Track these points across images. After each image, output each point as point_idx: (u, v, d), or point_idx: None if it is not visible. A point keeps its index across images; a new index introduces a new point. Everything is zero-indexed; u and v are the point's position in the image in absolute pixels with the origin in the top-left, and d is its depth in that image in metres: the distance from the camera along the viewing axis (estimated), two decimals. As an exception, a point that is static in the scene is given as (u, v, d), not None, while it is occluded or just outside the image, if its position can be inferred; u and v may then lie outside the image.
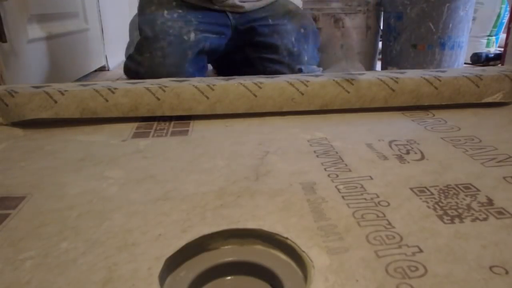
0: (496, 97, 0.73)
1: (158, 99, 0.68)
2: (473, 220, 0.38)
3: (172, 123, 0.68)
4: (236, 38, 1.09)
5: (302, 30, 1.10)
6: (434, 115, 0.69)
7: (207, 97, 0.69)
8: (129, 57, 1.00)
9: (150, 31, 0.96)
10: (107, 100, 0.67)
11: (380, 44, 1.69)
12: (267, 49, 1.07)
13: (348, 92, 0.70)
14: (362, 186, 0.45)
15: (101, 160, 0.54)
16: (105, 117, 0.67)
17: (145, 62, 0.95)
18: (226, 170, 0.50)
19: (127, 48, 1.06)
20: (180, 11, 1.02)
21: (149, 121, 0.68)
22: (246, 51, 1.11)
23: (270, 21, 1.07)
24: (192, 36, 0.99)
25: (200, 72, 1.04)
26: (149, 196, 0.44)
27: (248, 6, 1.06)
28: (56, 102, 0.66)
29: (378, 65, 1.73)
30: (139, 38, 0.97)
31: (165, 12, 1.01)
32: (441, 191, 0.44)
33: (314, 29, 1.15)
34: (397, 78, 0.71)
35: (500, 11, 1.97)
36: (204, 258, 0.35)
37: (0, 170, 0.51)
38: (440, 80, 0.71)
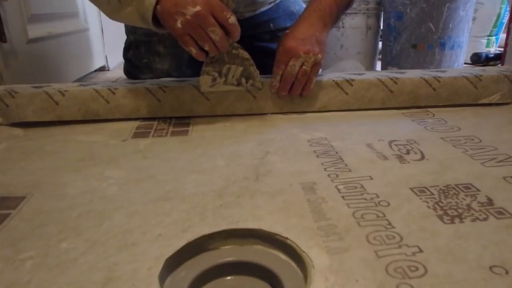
0: (493, 99, 0.73)
1: (159, 100, 0.68)
2: (473, 220, 0.38)
3: (172, 123, 0.68)
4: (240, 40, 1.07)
5: None
6: (434, 115, 0.69)
7: (207, 99, 0.69)
8: (127, 60, 1.00)
9: (144, 35, 0.95)
10: (108, 102, 0.67)
11: (380, 44, 1.69)
12: (267, 56, 1.05)
13: (347, 94, 0.71)
14: (362, 186, 0.45)
15: (101, 160, 0.54)
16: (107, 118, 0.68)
17: (144, 68, 0.95)
18: (226, 170, 0.50)
19: (125, 49, 1.04)
20: None
21: (149, 120, 0.68)
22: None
23: (272, 26, 1.03)
24: None
25: (198, 72, 1.03)
26: (149, 196, 0.44)
27: (248, 14, 1.02)
28: (57, 103, 0.66)
29: (378, 65, 1.73)
30: (135, 42, 0.96)
31: None
32: (441, 191, 0.44)
33: None
34: (396, 78, 0.71)
35: (500, 11, 1.97)
36: (204, 258, 0.35)
37: (0, 170, 0.51)
38: (439, 81, 0.72)
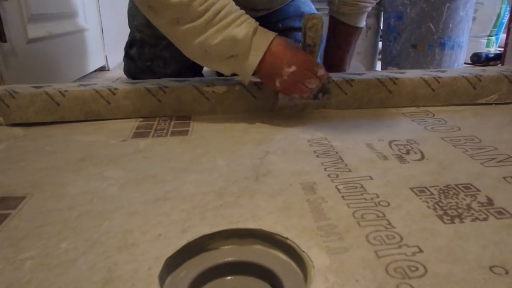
0: (491, 99, 0.73)
1: (160, 101, 0.68)
2: (473, 220, 0.38)
3: (172, 123, 0.68)
4: None
5: None
6: (434, 115, 0.69)
7: (208, 99, 0.69)
8: (130, 58, 0.98)
9: (151, 36, 0.91)
10: (109, 103, 0.68)
11: (380, 44, 1.69)
12: None
13: (346, 94, 0.71)
14: (362, 186, 0.45)
15: (101, 160, 0.54)
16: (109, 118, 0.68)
17: (145, 70, 0.93)
18: (226, 170, 0.50)
19: (128, 44, 1.00)
20: None
21: (149, 120, 0.68)
22: None
23: (280, 26, 1.01)
24: None
25: (198, 73, 1.01)
26: (149, 196, 0.44)
27: (261, 13, 1.00)
28: (58, 104, 0.66)
29: (378, 65, 1.73)
30: (140, 40, 0.93)
31: None
32: (441, 191, 0.44)
33: (322, 35, 1.11)
34: (396, 78, 0.72)
35: (500, 11, 1.97)
36: (204, 258, 0.35)
37: (0, 170, 0.52)
38: (438, 82, 0.72)
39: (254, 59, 0.59)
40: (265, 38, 0.60)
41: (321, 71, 0.61)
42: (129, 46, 0.97)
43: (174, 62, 0.93)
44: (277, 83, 0.61)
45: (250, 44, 0.59)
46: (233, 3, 0.60)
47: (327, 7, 0.93)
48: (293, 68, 0.59)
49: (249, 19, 0.60)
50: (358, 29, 0.92)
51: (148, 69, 0.94)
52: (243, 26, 0.59)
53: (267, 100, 0.70)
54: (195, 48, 0.60)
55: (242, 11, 0.60)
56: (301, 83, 0.61)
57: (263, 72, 0.61)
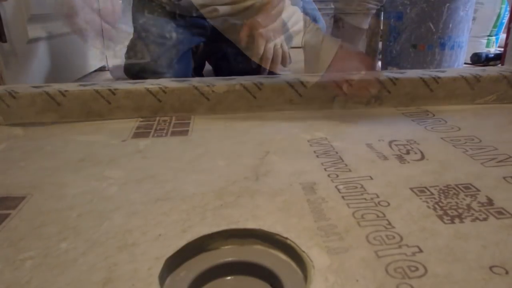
0: (489, 99, 0.73)
1: (160, 101, 0.68)
2: (473, 220, 0.38)
3: (172, 123, 0.68)
4: (217, 37, 1.04)
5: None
6: (434, 115, 0.69)
7: (208, 99, 0.69)
8: (132, 56, 0.99)
9: (157, 36, 0.94)
10: (109, 103, 0.68)
11: (380, 44, 1.69)
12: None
13: (346, 94, 0.71)
14: (362, 186, 0.45)
15: (101, 160, 0.54)
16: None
17: (148, 69, 0.95)
18: (226, 170, 0.50)
19: (132, 42, 1.03)
20: (159, 10, 1.00)
21: (149, 120, 0.68)
22: (223, 47, 1.09)
23: None
24: (174, 36, 0.98)
25: (187, 66, 1.02)
26: (149, 196, 0.44)
27: (222, 10, 0.99)
28: (59, 104, 0.66)
29: (378, 65, 1.73)
30: (144, 39, 0.95)
31: (146, 12, 0.97)
32: (441, 191, 0.44)
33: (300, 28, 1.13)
34: (396, 78, 0.72)
35: (500, 11, 1.96)
36: (204, 258, 0.35)
37: (0, 170, 0.51)
38: (437, 82, 0.72)
39: (324, 61, 0.62)
40: (333, 43, 0.62)
41: (383, 77, 0.64)
42: (132, 44, 0.98)
43: (177, 64, 0.94)
44: (344, 88, 0.63)
45: (319, 47, 0.62)
46: None
47: (329, 7, 0.93)
48: (362, 73, 0.62)
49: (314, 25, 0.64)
50: (361, 30, 0.93)
51: (150, 68, 0.94)
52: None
53: (267, 100, 0.71)
54: None
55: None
56: (365, 89, 0.63)
57: (331, 75, 0.63)
